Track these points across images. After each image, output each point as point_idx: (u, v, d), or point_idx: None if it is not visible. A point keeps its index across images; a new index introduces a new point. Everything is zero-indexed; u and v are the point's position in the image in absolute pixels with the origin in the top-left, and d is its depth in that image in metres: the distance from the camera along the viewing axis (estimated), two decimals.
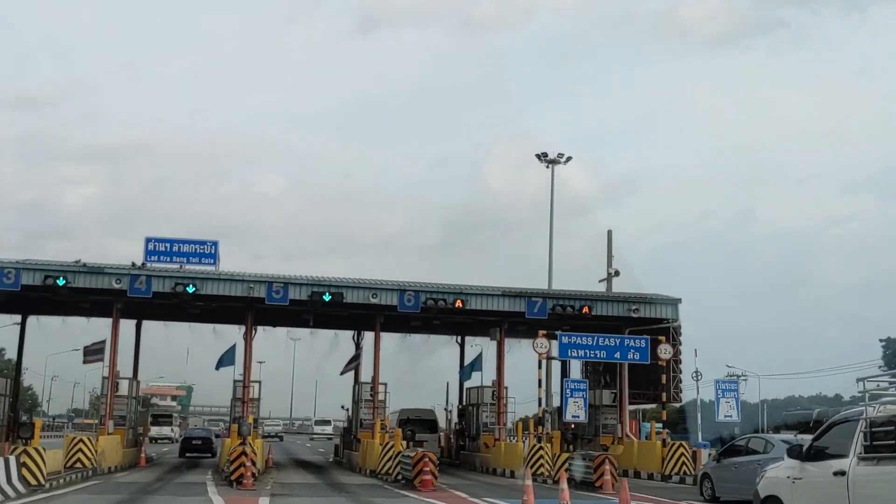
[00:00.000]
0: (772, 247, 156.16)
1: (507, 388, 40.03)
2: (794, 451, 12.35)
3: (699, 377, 32.38)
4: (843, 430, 11.55)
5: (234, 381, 39.16)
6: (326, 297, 36.49)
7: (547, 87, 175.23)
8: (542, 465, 33.14)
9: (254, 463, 27.31)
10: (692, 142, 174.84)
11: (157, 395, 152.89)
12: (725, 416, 32.51)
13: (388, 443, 33.08)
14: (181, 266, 36.98)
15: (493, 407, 39.67)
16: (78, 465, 31.36)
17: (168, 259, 36.91)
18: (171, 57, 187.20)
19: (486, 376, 45.69)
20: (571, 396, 33.62)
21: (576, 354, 35.47)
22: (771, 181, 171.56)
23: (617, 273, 47.15)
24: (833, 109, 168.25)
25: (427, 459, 26.54)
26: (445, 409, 48.71)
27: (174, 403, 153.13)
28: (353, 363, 42.59)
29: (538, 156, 66.24)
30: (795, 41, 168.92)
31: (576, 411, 33.58)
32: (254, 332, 46.16)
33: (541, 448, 33.38)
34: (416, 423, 40.45)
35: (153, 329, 46.08)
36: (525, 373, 44.94)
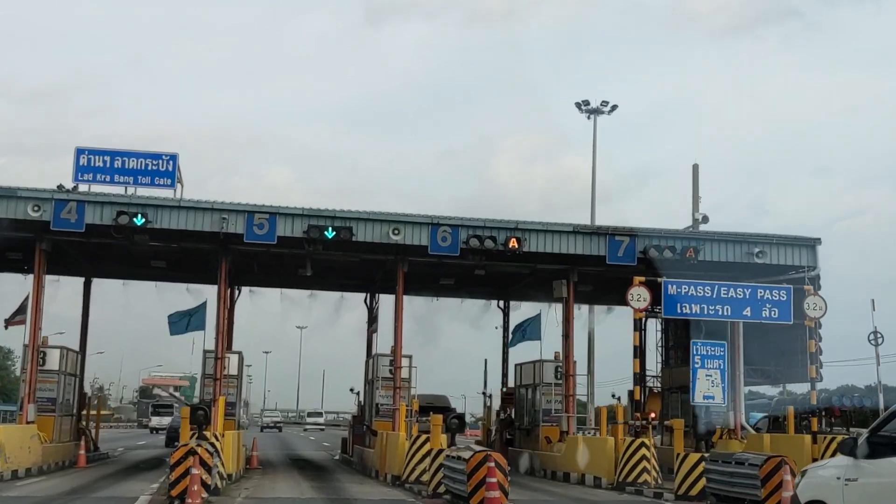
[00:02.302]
0: None
1: (575, 362, 29.58)
2: (847, 446, 10.11)
3: (879, 341, 21.78)
4: None
5: (204, 352, 28.72)
6: (329, 234, 26.08)
7: (554, 78, 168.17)
8: (644, 470, 22.67)
9: (208, 469, 16.85)
10: (702, 133, 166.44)
11: (159, 385, 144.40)
12: None
13: (418, 437, 22.66)
14: (126, 189, 26.56)
15: (558, 388, 29.11)
16: None
17: (107, 179, 26.51)
18: (179, 50, 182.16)
19: (533, 349, 35.45)
20: (702, 367, 23.07)
21: (688, 311, 24.89)
22: (782, 173, 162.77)
23: (705, 219, 36.53)
24: (847, 100, 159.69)
25: (493, 465, 16.04)
26: (484, 394, 38.06)
27: (177, 394, 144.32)
28: (369, 329, 31.96)
29: (578, 104, 56.21)
30: (808, 31, 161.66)
31: (708, 389, 23.04)
32: (237, 292, 36.19)
33: (642, 445, 22.88)
34: (427, 413, 30.29)
35: (108, 290, 35.79)
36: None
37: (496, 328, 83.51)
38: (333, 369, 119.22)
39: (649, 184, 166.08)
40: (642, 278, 25.19)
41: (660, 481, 22.89)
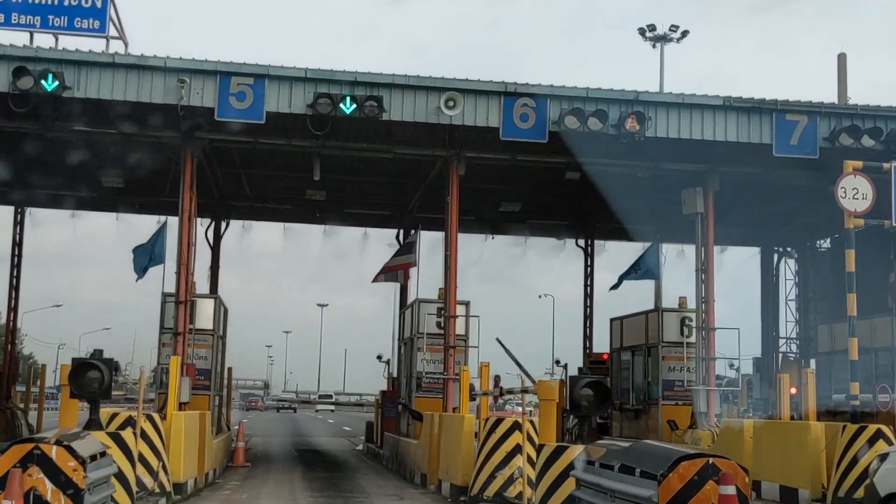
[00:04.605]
0: None
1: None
2: None
3: None
4: None
5: (163, 296, 19.46)
6: (347, 108, 16.79)
7: (581, 53, 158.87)
8: None
9: (74, 493, 7.45)
10: None
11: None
12: None
13: (500, 422, 13.32)
14: (32, 37, 17.33)
15: (690, 350, 19.65)
16: None
17: (0, 20, 17.21)
18: (195, 30, 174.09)
19: (627, 301, 26.04)
20: None
21: None
22: None
23: None
24: (881, 76, 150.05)
25: (733, 493, 6.64)
26: (557, 363, 28.48)
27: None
28: (403, 260, 22.32)
29: (641, 30, 46.72)
30: (843, 5, 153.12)
31: None
32: (224, 226, 26.93)
33: (879, 436, 13.41)
34: None
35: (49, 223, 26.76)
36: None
37: (541, 297, 72.81)
38: (358, 348, 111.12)
39: None
40: (858, 163, 15.63)
41: None
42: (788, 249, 27.51)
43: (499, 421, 13.38)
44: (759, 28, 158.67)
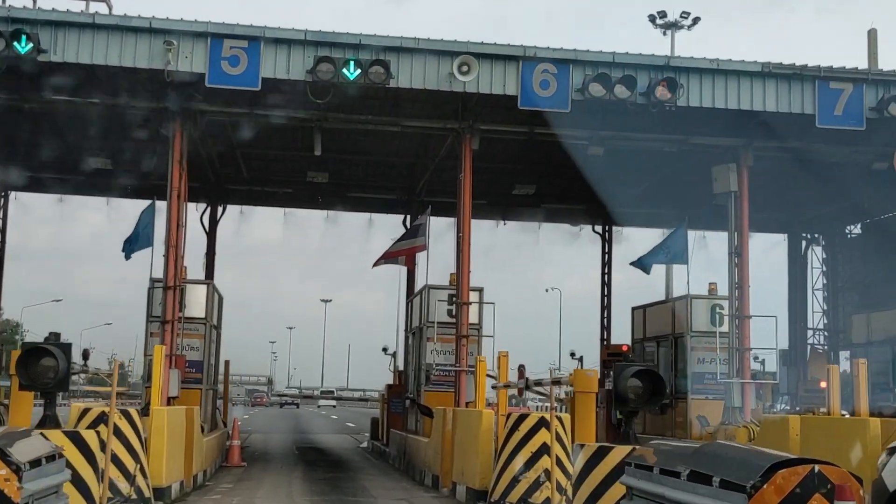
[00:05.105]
0: None
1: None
2: None
3: None
4: None
5: (151, 281, 17.94)
6: (350, 74, 15.28)
7: (590, 42, 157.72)
8: None
9: None
10: None
11: None
12: None
13: (524, 417, 11.81)
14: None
15: (723, 340, 18.05)
16: None
17: None
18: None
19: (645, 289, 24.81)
20: None
21: None
22: None
23: None
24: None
25: None
26: (572, 356, 26.94)
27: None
28: (411, 244, 20.70)
29: (651, 17, 45.01)
30: (845, 1, 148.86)
31: None
32: (220, 211, 25.42)
33: None
34: None
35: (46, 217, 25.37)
36: None
37: (548, 290, 71.36)
38: (361, 343, 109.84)
39: None
40: None
41: None
42: (816, 236, 25.99)
43: (522, 417, 11.88)
44: (775, 12, 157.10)
